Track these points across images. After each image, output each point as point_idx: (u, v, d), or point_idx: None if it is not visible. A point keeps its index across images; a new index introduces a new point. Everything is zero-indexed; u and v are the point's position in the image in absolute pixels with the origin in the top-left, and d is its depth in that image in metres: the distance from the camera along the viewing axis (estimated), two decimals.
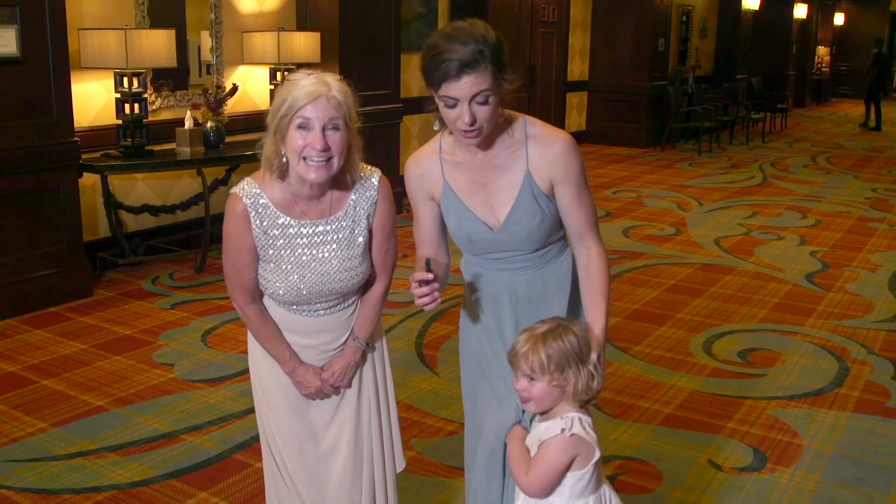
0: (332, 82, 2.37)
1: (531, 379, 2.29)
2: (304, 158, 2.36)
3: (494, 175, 2.44)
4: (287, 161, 2.41)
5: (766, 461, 3.96)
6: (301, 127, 2.34)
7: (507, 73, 2.28)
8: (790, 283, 6.77)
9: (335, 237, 2.53)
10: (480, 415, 2.61)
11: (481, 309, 2.59)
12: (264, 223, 2.48)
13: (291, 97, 2.33)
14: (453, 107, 2.27)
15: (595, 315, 2.49)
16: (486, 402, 2.59)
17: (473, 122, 2.27)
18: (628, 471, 3.83)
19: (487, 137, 2.39)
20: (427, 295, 2.26)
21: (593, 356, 2.34)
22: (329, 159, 2.37)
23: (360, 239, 2.56)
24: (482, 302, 2.58)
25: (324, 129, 2.34)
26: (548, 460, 2.26)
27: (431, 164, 2.52)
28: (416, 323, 5.64)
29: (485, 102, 2.26)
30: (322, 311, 2.59)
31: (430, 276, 2.25)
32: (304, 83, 2.34)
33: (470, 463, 2.70)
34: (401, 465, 2.85)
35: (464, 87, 2.22)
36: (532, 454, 2.32)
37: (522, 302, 2.53)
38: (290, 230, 2.50)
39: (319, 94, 2.33)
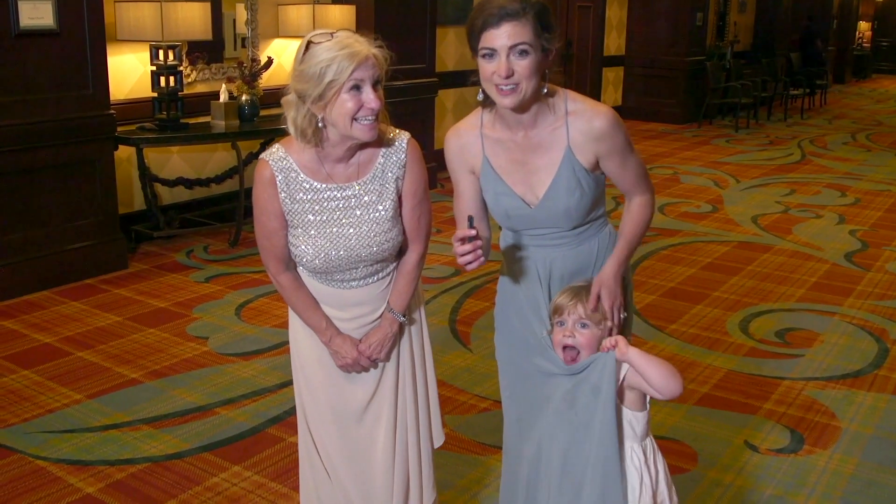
0: (361, 38, 2.35)
1: (583, 325, 2.35)
2: (356, 119, 2.35)
3: (535, 153, 2.41)
4: (324, 127, 2.38)
5: (804, 443, 3.91)
6: (354, 88, 2.31)
7: (549, 33, 2.26)
8: (829, 262, 6.68)
9: (362, 201, 2.50)
10: (523, 392, 2.58)
11: (518, 283, 2.57)
12: (291, 187, 2.47)
13: (336, 63, 2.28)
14: (491, 59, 2.25)
15: (615, 250, 2.53)
16: (527, 376, 2.55)
17: (510, 75, 2.23)
18: (663, 451, 3.73)
19: (530, 112, 2.35)
20: (469, 253, 2.22)
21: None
22: (377, 116, 2.37)
23: (389, 203, 2.52)
24: (519, 277, 2.56)
25: (373, 88, 2.33)
26: (649, 357, 2.26)
27: (472, 138, 2.49)
28: (449, 299, 5.62)
29: (523, 56, 2.23)
30: (355, 283, 2.57)
31: (473, 232, 2.20)
32: (344, 44, 2.29)
33: (508, 445, 2.70)
34: (439, 441, 2.83)
35: (503, 35, 2.21)
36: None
37: (558, 279, 2.51)
38: (317, 194, 2.48)
39: (364, 53, 2.30)
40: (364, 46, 2.32)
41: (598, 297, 2.43)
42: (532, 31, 2.22)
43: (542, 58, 2.26)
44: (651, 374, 2.21)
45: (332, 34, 2.32)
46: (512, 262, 2.58)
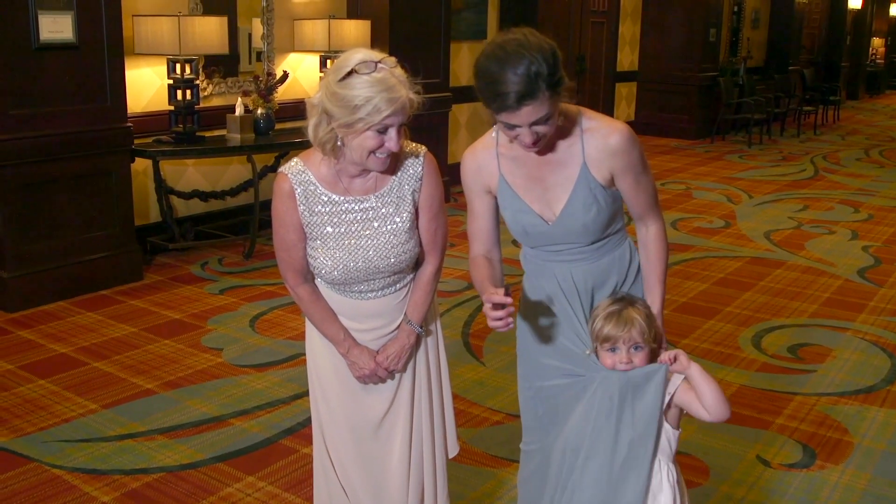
0: (400, 76, 2.34)
1: (636, 348, 2.35)
2: (373, 153, 2.37)
3: (551, 169, 2.43)
4: (342, 145, 2.41)
5: (816, 458, 3.91)
6: (380, 131, 2.34)
7: (563, 84, 2.23)
8: (841, 278, 6.68)
9: (379, 213, 2.53)
10: (549, 391, 2.59)
11: (539, 300, 2.58)
12: (309, 200, 2.49)
13: (373, 104, 2.28)
14: (513, 129, 2.26)
15: (650, 298, 2.55)
16: (552, 376, 2.57)
17: (536, 142, 2.28)
18: None
19: None
20: (501, 319, 2.23)
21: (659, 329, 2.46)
22: (392, 153, 2.41)
23: (405, 215, 2.55)
24: (540, 293, 2.58)
25: (398, 130, 2.36)
26: (708, 376, 2.29)
27: (488, 158, 2.51)
28: (462, 312, 5.64)
29: (546, 123, 2.24)
30: (372, 294, 2.59)
31: (509, 300, 2.20)
32: (383, 86, 2.29)
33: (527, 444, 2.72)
34: (454, 451, 2.85)
35: (523, 116, 2.20)
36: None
37: (580, 294, 2.52)
38: (335, 207, 2.51)
39: (402, 100, 2.31)
40: (403, 90, 2.31)
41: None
42: (549, 100, 2.19)
43: (558, 103, 2.26)
44: (708, 393, 2.25)
45: (376, 64, 2.31)
46: (533, 279, 2.60)
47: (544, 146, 2.38)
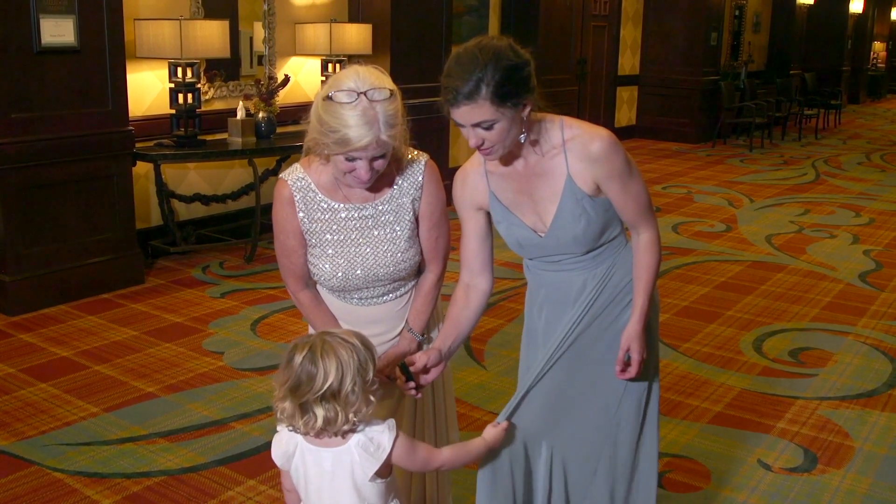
0: (381, 114, 2.29)
1: None
2: (348, 174, 2.38)
3: (538, 183, 2.43)
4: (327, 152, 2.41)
5: (817, 462, 3.91)
6: (349, 159, 2.33)
7: (518, 99, 2.23)
8: (843, 282, 6.68)
9: (379, 221, 2.53)
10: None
11: (540, 308, 2.58)
12: (309, 207, 2.50)
13: (342, 134, 2.27)
14: (462, 127, 2.29)
15: (633, 307, 2.53)
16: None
17: (480, 145, 2.29)
18: (676, 469, 3.81)
19: (525, 147, 2.39)
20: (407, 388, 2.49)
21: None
22: (370, 178, 2.40)
23: (405, 224, 2.55)
24: (540, 302, 2.58)
25: (370, 160, 2.34)
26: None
27: (477, 177, 2.52)
28: None
29: (489, 128, 2.25)
30: (373, 301, 2.60)
31: (411, 385, 2.48)
32: (354, 122, 2.26)
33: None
34: None
35: (463, 115, 2.23)
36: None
37: (578, 303, 2.51)
38: (334, 214, 2.51)
39: (370, 140, 2.28)
40: (373, 131, 2.28)
41: (627, 352, 2.49)
42: (491, 107, 2.20)
43: (514, 116, 2.25)
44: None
45: (358, 94, 2.28)
46: (534, 288, 2.61)
47: (524, 153, 2.40)
